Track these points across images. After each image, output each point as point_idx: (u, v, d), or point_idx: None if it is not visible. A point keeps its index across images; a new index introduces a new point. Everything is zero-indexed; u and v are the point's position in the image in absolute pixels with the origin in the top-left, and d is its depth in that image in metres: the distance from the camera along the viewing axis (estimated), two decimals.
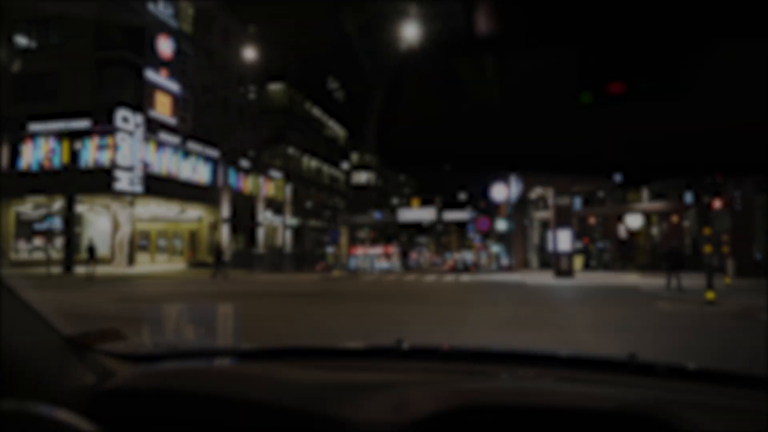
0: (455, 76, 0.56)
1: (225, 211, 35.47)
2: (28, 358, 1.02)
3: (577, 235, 26.83)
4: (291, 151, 51.85)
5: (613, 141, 0.53)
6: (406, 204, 66.47)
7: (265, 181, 42.52)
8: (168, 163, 29.63)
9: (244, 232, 39.37)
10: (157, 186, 28.12)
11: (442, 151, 0.59)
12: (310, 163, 57.34)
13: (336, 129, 67.45)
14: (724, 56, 0.47)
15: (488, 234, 43.79)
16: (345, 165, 70.12)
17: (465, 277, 25.79)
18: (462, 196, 77.49)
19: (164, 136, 29.04)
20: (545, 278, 22.74)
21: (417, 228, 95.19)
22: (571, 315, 11.03)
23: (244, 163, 38.86)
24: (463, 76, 0.56)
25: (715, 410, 1.02)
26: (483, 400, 0.99)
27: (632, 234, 25.77)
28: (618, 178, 0.55)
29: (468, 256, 71.32)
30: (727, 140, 0.51)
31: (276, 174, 44.67)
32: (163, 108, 29.46)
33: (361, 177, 78.60)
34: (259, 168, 41.30)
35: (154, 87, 28.84)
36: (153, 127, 28.07)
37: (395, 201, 78.91)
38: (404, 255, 57.74)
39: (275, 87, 51.17)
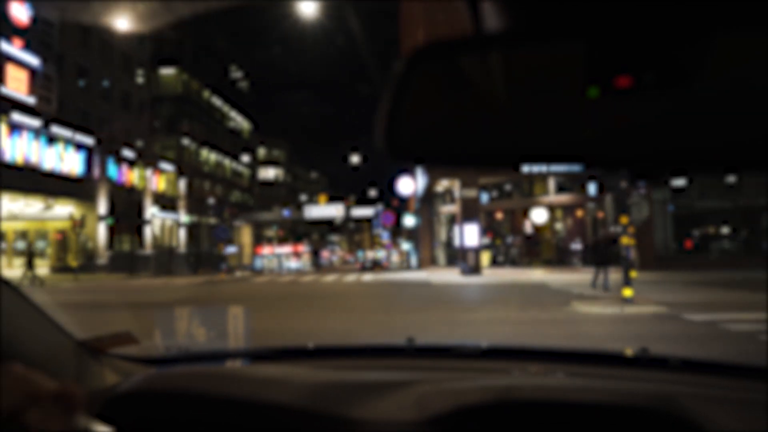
0: (462, 73, 0.56)
1: (102, 207, 31.24)
2: (42, 363, 1.00)
3: (486, 230, 25.86)
4: (186, 142, 47.63)
5: (622, 135, 0.53)
6: (317, 201, 64.05)
7: (155, 174, 38.28)
8: (25, 149, 25.16)
9: (129, 232, 35.07)
10: (10, 177, 23.73)
11: (449, 148, 0.58)
12: (210, 156, 53.24)
13: (240, 121, 63.50)
14: (731, 47, 0.47)
15: (399, 230, 42.71)
16: (249, 159, 66.20)
17: (367, 277, 24.02)
18: (372, 192, 76.17)
19: (18, 116, 24.60)
20: (451, 276, 21.42)
21: (329, 226, 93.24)
22: (475, 323, 9.30)
23: (128, 153, 34.57)
24: (470, 72, 0.56)
25: (730, 403, 1.01)
26: (496, 396, 0.98)
27: (537, 229, 25.13)
28: (625, 174, 0.56)
29: (380, 253, 70.75)
30: (736, 133, 0.50)
31: (167, 166, 40.49)
32: (16, 84, 25.02)
33: (269, 173, 75.11)
34: (146, 159, 37.02)
35: (5, 58, 24.37)
36: (3, 106, 23.66)
37: (303, 198, 76.05)
38: (315, 254, 55.75)
39: (168, 72, 46.74)
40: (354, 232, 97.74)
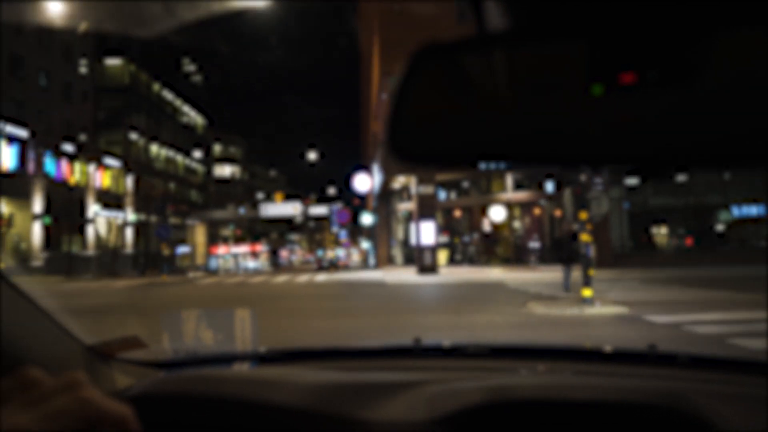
0: (466, 73, 0.57)
1: (37, 205, 29.17)
2: (51, 368, 0.91)
3: (443, 228, 25.28)
4: (134, 136, 45.40)
5: (626, 133, 0.53)
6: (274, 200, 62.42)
7: (99, 170, 36.16)
8: None
9: (70, 231, 32.93)
10: None
11: (455, 148, 0.59)
12: (160, 151, 50.99)
13: (193, 116, 61.21)
14: (734, 44, 0.48)
15: (360, 229, 41.90)
16: (204, 155, 63.92)
17: (321, 277, 23.06)
18: (331, 190, 75.07)
19: None
20: (408, 275, 20.69)
21: (288, 225, 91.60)
22: (424, 329, 8.52)
23: (68, 147, 32.46)
24: (474, 72, 0.57)
25: (739, 399, 1.01)
26: (504, 396, 0.98)
27: (496, 227, 24.69)
28: (630, 173, 0.57)
29: (338, 253, 69.95)
30: (739, 129, 0.51)
31: (113, 162, 38.38)
32: None
33: (225, 170, 72.87)
34: (89, 154, 34.88)
35: None
36: None
37: (261, 196, 74.14)
38: (274, 253, 54.48)
39: (113, 63, 44.38)
40: (315, 231, 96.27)
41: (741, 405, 0.97)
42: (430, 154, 0.59)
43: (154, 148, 49.37)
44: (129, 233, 40.55)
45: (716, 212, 22.75)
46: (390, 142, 0.57)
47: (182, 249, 48.57)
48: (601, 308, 9.07)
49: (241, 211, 52.41)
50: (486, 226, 24.62)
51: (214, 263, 45.95)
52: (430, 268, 20.68)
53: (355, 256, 49.23)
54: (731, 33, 0.46)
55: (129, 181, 40.48)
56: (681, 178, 22.57)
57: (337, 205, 26.68)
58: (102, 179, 36.64)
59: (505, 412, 0.95)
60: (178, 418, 1.04)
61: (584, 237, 9.51)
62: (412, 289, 15.20)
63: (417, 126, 0.57)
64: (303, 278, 22.59)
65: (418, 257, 21.24)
